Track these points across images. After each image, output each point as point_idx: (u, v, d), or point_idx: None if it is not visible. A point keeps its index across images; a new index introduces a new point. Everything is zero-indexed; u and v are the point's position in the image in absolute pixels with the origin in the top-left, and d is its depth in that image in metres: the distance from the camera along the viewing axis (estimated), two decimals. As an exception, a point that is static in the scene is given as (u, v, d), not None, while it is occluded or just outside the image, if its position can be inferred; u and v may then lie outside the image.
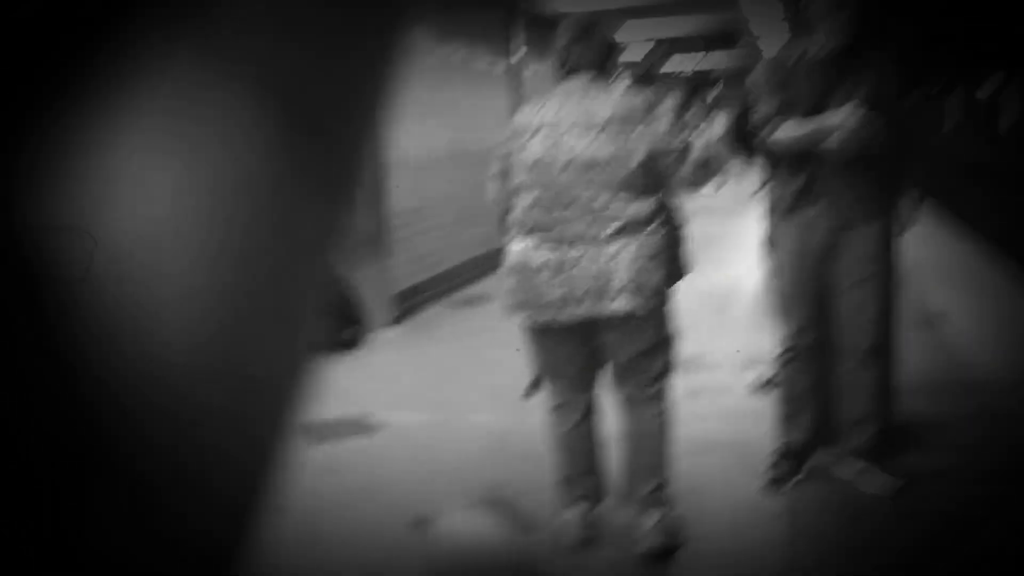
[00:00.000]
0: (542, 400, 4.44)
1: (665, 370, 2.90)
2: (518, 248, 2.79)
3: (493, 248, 8.56)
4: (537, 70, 10.20)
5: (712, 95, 19.28)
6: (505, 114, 9.10)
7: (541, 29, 10.37)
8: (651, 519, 2.87)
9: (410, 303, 6.77)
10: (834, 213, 3.18)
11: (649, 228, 2.71)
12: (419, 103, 7.08)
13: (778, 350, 3.43)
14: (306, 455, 3.82)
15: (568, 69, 2.81)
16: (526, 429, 3.98)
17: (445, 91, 7.56)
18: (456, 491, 3.37)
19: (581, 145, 2.69)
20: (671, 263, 2.79)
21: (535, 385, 3.07)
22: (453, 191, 7.69)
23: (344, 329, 5.69)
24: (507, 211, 2.91)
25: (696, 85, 19.84)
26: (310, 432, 4.10)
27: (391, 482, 3.46)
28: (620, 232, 2.68)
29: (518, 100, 9.31)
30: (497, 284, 8.03)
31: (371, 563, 2.84)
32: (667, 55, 17.59)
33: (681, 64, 20.04)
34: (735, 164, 12.30)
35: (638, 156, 2.68)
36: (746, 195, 7.74)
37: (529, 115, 2.83)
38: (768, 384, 4.08)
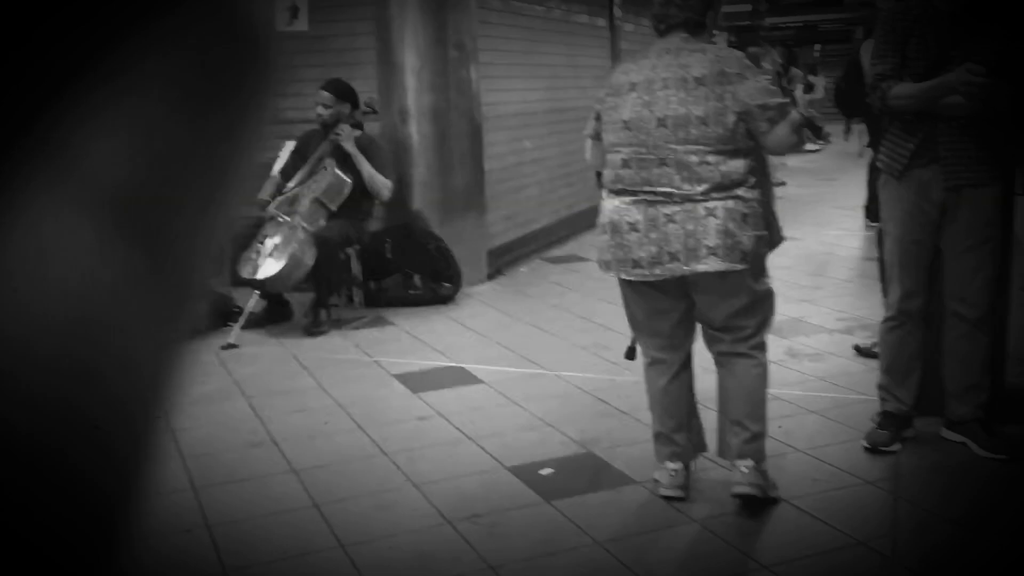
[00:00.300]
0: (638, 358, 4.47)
1: (759, 329, 2.90)
2: (611, 205, 2.83)
3: (586, 207, 8.57)
4: (636, 26, 10.06)
5: (813, 53, 18.68)
6: (603, 71, 9.04)
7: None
8: (744, 467, 2.88)
9: (504, 260, 6.84)
10: (949, 175, 3.10)
11: (743, 188, 2.71)
12: (516, 60, 7.08)
13: (883, 315, 3.37)
14: (407, 402, 3.94)
15: (665, 27, 2.81)
16: (619, 386, 4.02)
17: (543, 48, 7.53)
18: (553, 442, 3.43)
19: (675, 102, 2.70)
20: (764, 223, 2.78)
21: (633, 349, 3.10)
22: (548, 149, 7.70)
23: (440, 284, 5.79)
24: (601, 169, 2.95)
25: (797, 42, 19.24)
26: (410, 380, 4.22)
27: (490, 432, 3.55)
28: (713, 190, 2.69)
29: (617, 57, 9.21)
30: (589, 243, 8.06)
31: (472, 502, 2.93)
32: (767, 11, 17.08)
33: (781, 19, 19.45)
34: (835, 125, 11.92)
35: (733, 115, 2.67)
36: (846, 156, 7.52)
37: (624, 73, 2.85)
38: (871, 349, 4.01)
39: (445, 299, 5.78)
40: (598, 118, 2.90)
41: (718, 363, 2.95)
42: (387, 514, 2.90)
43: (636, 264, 2.77)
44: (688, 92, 2.69)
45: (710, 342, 2.95)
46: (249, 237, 5.14)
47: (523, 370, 4.36)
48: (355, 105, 5.44)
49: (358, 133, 5.40)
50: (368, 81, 5.93)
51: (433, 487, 3.06)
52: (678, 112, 2.69)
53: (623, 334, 4.85)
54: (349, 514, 2.90)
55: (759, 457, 2.91)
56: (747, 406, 2.91)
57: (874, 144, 4.01)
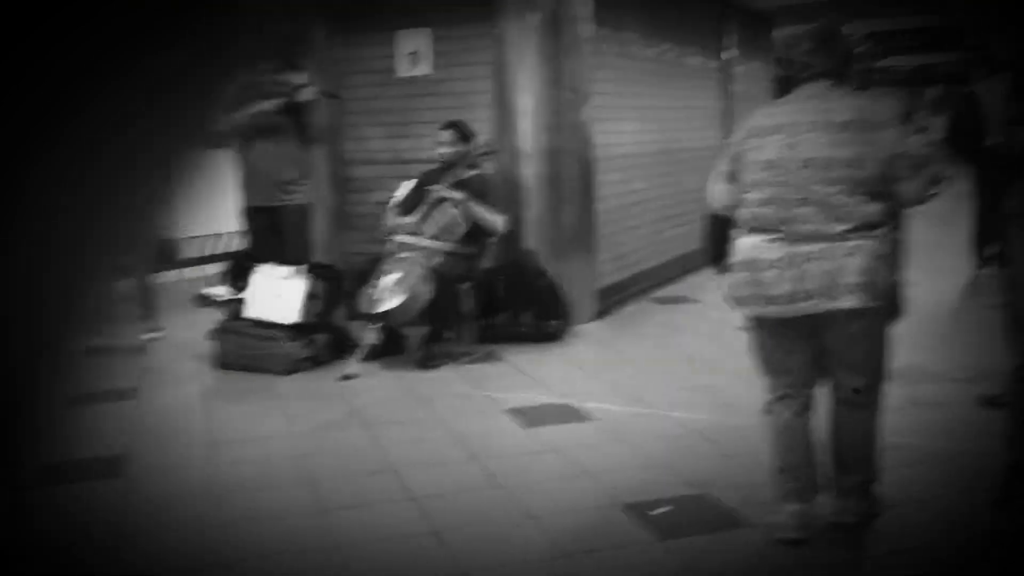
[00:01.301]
0: (747, 400, 4.43)
1: (879, 374, 2.95)
2: (748, 243, 2.89)
3: (694, 248, 8.53)
4: (748, 68, 10.04)
5: (932, 96, 18.18)
6: (715, 113, 9.04)
7: (753, 26, 10.20)
8: (849, 502, 2.96)
9: (612, 299, 6.88)
10: None
11: (882, 229, 2.77)
12: (628, 102, 7.17)
13: (1012, 364, 3.28)
14: (520, 436, 4.01)
15: (808, 75, 2.89)
16: (732, 428, 4.01)
17: (655, 90, 7.60)
18: (666, 482, 3.44)
19: (820, 145, 2.77)
20: (897, 267, 2.83)
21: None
22: (658, 190, 7.73)
23: (549, 321, 5.87)
24: (724, 210, 3.02)
25: (916, 84, 18.76)
26: (521, 415, 4.29)
27: (602, 468, 3.59)
28: (854, 230, 2.75)
29: (729, 99, 9.21)
30: (698, 284, 8.01)
31: (586, 537, 2.97)
32: (885, 52, 16.75)
33: (898, 61, 19.02)
34: (950, 170, 11.56)
35: (876, 160, 2.74)
36: (958, 202, 7.31)
37: (767, 116, 2.93)
38: (997, 398, 3.89)
39: (554, 336, 5.85)
40: (735, 159, 2.97)
41: (835, 404, 2.98)
42: (504, 545, 2.97)
43: (773, 301, 2.83)
44: (833, 136, 2.76)
45: (831, 384, 2.98)
46: (368, 272, 5.34)
47: (633, 409, 4.38)
48: (473, 145, 5.63)
49: (473, 173, 5.57)
50: (484, 123, 6.11)
51: (547, 521, 3.12)
52: (823, 154, 2.76)
53: (734, 376, 4.85)
54: (468, 543, 2.98)
55: (867, 498, 2.97)
56: (858, 452, 2.95)
57: (994, 188, 3.93)
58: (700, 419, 4.17)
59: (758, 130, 2.91)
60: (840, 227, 2.74)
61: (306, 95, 5.53)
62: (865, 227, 2.75)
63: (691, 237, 8.52)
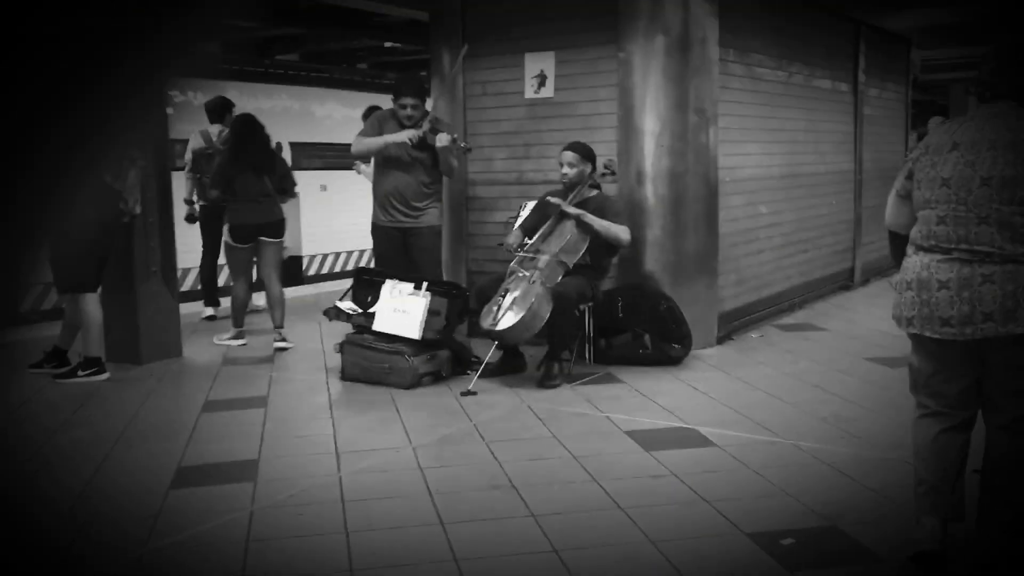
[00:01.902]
0: (876, 432, 4.25)
1: None
2: (920, 262, 2.82)
3: (820, 275, 8.28)
4: (882, 91, 9.72)
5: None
6: (845, 137, 8.77)
7: (888, 48, 9.87)
8: (1000, 542, 2.77)
9: (734, 324, 6.74)
10: None
11: None
12: (755, 124, 7.04)
13: None
14: (640, 459, 3.96)
15: (991, 95, 2.82)
16: (865, 461, 3.85)
17: (782, 112, 7.44)
18: (794, 512, 3.33)
19: (1003, 163, 2.69)
20: None
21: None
22: (783, 215, 7.55)
23: (670, 345, 5.79)
24: (899, 228, 2.97)
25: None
26: (641, 438, 4.24)
27: (725, 495, 3.50)
28: None
29: (860, 123, 8.93)
30: (823, 311, 7.75)
31: (711, 565, 2.90)
32: None
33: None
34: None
35: None
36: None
37: (946, 133, 2.86)
38: None
39: (674, 360, 5.77)
40: (910, 176, 2.92)
41: (992, 436, 2.84)
42: (626, 567, 2.92)
43: (945, 323, 2.75)
44: (1018, 155, 2.69)
45: (990, 412, 2.84)
46: (490, 290, 5.40)
47: (758, 436, 4.26)
48: (594, 166, 5.63)
49: (594, 193, 5.56)
50: (608, 144, 6.11)
51: (670, 546, 3.06)
52: (1005, 173, 2.69)
53: (862, 407, 4.68)
54: (588, 562, 2.95)
55: (1019, 538, 2.78)
56: (1017, 485, 2.78)
57: None
58: (827, 449, 4.02)
59: (935, 147, 2.85)
60: (1021, 248, 2.65)
61: (442, 141, 5.73)
62: None
63: (817, 263, 8.28)
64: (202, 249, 7.74)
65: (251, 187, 6.48)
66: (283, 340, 6.56)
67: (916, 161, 2.89)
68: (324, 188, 10.73)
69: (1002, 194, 2.68)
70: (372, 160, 7.10)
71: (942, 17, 9.48)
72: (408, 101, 5.84)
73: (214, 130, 7.70)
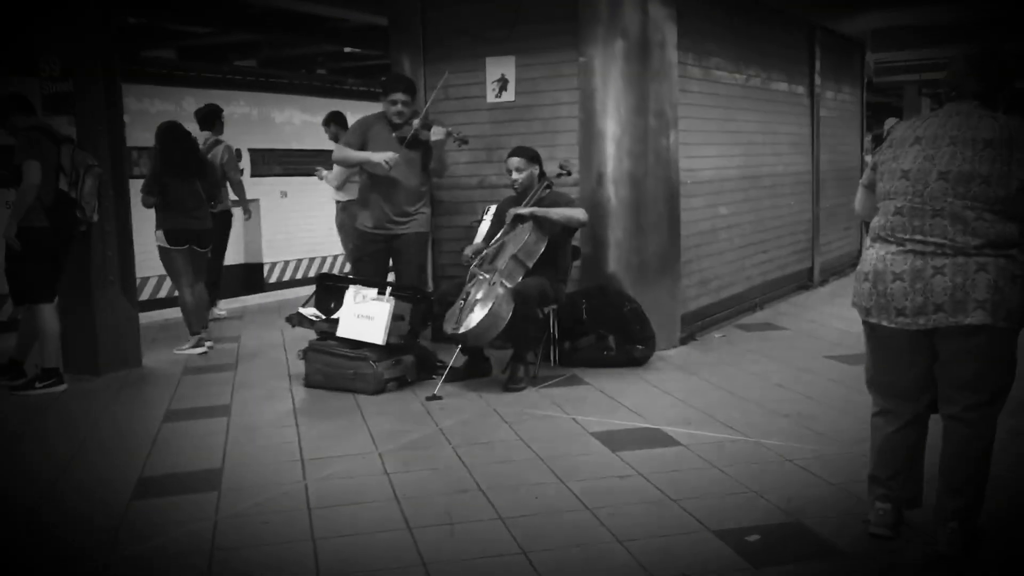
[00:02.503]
0: (838, 429, 4.30)
1: (995, 398, 2.89)
2: (876, 254, 2.91)
3: (779, 275, 8.39)
4: (838, 94, 9.87)
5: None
6: (802, 139, 8.90)
7: (843, 51, 10.02)
8: (950, 527, 2.88)
9: (697, 325, 6.79)
10: None
11: (1016, 249, 2.76)
12: (714, 127, 7.11)
13: None
14: (606, 459, 3.98)
15: (956, 94, 2.91)
16: (827, 457, 3.90)
17: (741, 115, 7.53)
18: (759, 509, 3.36)
19: (961, 159, 2.77)
20: None
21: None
22: (743, 215, 7.63)
23: (634, 346, 5.82)
24: (867, 218, 3.09)
25: None
26: (608, 439, 4.26)
27: (691, 494, 3.52)
28: (987, 246, 2.73)
29: (818, 125, 9.06)
30: (783, 312, 7.84)
31: (679, 562, 2.91)
32: None
33: None
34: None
35: (1017, 180, 2.73)
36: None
37: (909, 128, 2.95)
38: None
39: (638, 361, 5.80)
40: (874, 168, 3.02)
41: (946, 426, 2.94)
42: (595, 567, 2.93)
43: (900, 313, 2.85)
44: (976, 152, 2.76)
45: (943, 403, 2.94)
46: (454, 295, 5.39)
47: (722, 435, 4.30)
48: (542, 167, 5.65)
49: (548, 191, 5.58)
50: (570, 148, 6.14)
51: (638, 544, 3.07)
52: (963, 168, 2.76)
53: (824, 405, 4.74)
54: (557, 564, 2.95)
55: (968, 524, 2.89)
56: (967, 474, 2.89)
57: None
58: (790, 446, 4.06)
59: (899, 140, 2.94)
60: (973, 241, 2.73)
61: (437, 135, 5.71)
62: (999, 244, 2.73)
63: (777, 263, 8.39)
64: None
65: (182, 193, 6.62)
66: (199, 345, 6.60)
67: (880, 154, 2.99)
68: (285, 195, 10.65)
69: (957, 188, 2.76)
70: (335, 165, 7.06)
71: (895, 19, 9.66)
72: (399, 97, 5.78)
73: (202, 137, 7.75)
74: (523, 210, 5.40)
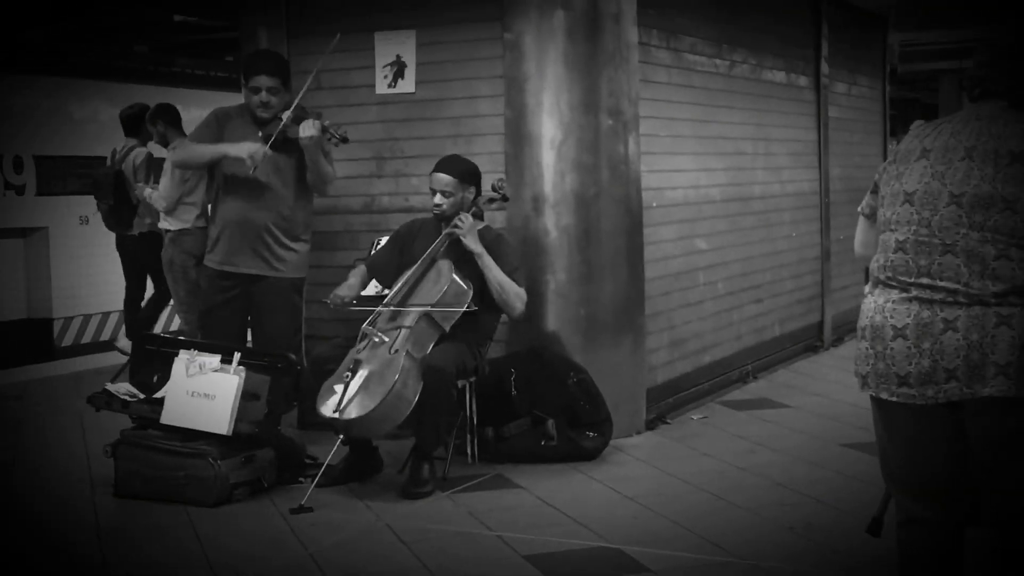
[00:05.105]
0: (858, 543, 4.40)
1: None
2: (873, 304, 2.97)
3: (779, 332, 8.53)
4: (851, 87, 10.09)
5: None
6: (807, 147, 9.11)
7: (859, 30, 10.27)
8: None
9: (669, 402, 6.86)
10: None
11: None
12: (689, 130, 7.25)
13: None
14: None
15: (980, 92, 2.98)
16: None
17: (724, 115, 7.69)
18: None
19: (979, 177, 2.82)
20: None
21: (880, 522, 3.12)
22: (729, 251, 7.75)
23: (582, 432, 5.85)
24: (870, 257, 3.12)
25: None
26: (547, 564, 4.27)
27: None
28: (1011, 293, 2.78)
29: (825, 127, 9.28)
30: (783, 382, 7.95)
31: None
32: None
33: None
34: None
35: None
36: None
37: (916, 137, 3.02)
38: None
39: (589, 454, 5.83)
40: (875, 190, 3.09)
41: (990, 533, 2.97)
42: None
43: (903, 382, 2.88)
44: (999, 168, 2.81)
45: (987, 509, 2.96)
46: (334, 362, 5.35)
47: (706, 556, 4.35)
48: (479, 190, 5.65)
49: (481, 226, 5.61)
50: (493, 157, 6.18)
51: None
52: (980, 190, 2.81)
53: (843, 511, 4.83)
54: None
55: None
56: None
57: None
58: (796, 571, 4.13)
59: (903, 154, 3.01)
60: (993, 287, 2.78)
61: (306, 131, 5.63)
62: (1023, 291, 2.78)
63: (774, 317, 8.54)
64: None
65: None
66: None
67: (883, 172, 3.06)
68: (85, 221, 10.49)
69: (973, 216, 2.81)
70: (173, 174, 7.03)
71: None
72: (263, 82, 5.77)
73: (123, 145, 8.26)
74: (472, 244, 5.38)
